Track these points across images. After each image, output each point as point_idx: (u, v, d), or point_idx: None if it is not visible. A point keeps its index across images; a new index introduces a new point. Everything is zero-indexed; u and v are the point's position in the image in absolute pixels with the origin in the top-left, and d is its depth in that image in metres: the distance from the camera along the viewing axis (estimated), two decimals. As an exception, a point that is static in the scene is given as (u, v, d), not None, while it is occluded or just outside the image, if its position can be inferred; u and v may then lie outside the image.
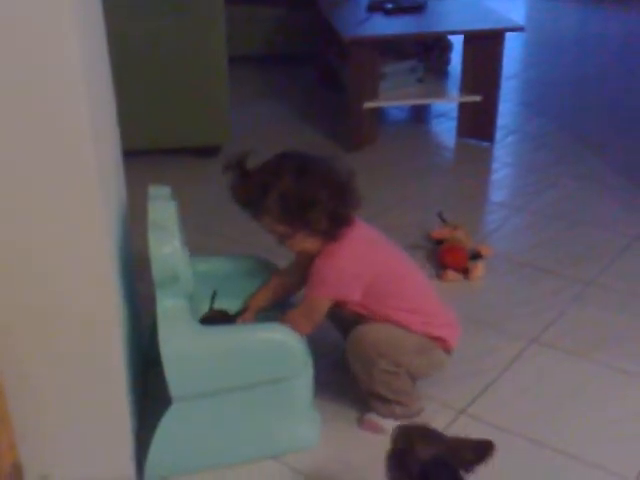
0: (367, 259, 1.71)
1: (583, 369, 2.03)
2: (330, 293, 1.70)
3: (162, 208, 1.60)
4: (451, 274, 2.42)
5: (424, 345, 1.77)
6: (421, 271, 1.91)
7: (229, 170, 1.68)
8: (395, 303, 1.75)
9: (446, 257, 2.46)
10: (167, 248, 1.52)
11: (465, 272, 2.43)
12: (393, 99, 3.43)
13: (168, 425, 1.64)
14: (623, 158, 3.29)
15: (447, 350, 1.81)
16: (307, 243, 1.68)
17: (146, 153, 3.07)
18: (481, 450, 1.34)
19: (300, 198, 1.61)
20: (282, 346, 1.64)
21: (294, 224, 1.65)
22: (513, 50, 4.58)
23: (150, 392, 1.82)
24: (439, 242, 2.53)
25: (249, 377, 1.64)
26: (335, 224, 1.65)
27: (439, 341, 1.79)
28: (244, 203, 1.68)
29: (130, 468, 1.65)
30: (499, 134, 3.49)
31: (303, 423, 1.74)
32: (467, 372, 2.00)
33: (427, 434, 1.39)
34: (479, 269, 2.44)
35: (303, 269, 1.75)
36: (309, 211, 1.62)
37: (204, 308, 1.78)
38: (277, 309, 1.80)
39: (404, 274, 1.81)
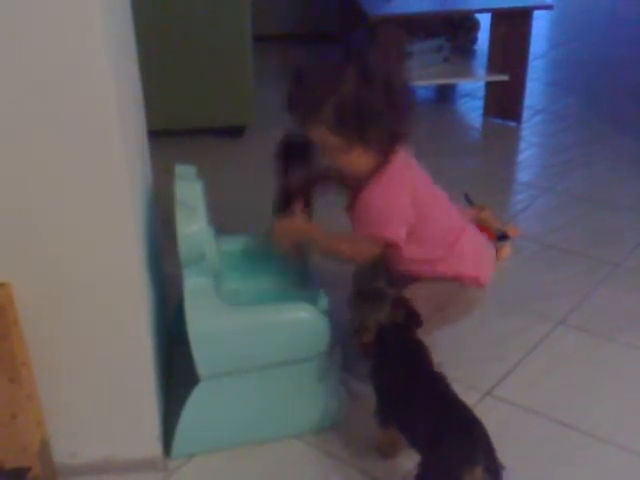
0: (412, 189, 1.64)
1: (610, 351, 2.02)
2: (389, 231, 1.62)
3: (188, 187, 1.60)
4: None
5: (458, 292, 1.72)
6: (448, 199, 1.81)
7: (288, 76, 1.57)
8: (429, 247, 1.68)
9: None
10: (194, 227, 1.52)
11: None
12: (419, 78, 3.39)
13: (195, 404, 1.65)
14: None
15: (481, 286, 1.77)
16: (359, 161, 1.57)
17: (171, 133, 3.07)
18: (410, 316, 1.58)
19: (360, 109, 1.48)
20: (309, 325, 1.64)
21: (350, 137, 1.52)
22: (541, 29, 4.52)
23: (176, 372, 1.83)
24: None
25: (275, 356, 1.65)
26: (392, 142, 1.54)
27: (472, 279, 1.74)
28: (299, 111, 1.56)
29: (157, 448, 1.66)
30: (526, 114, 3.45)
31: (329, 401, 1.74)
32: (493, 354, 2.00)
33: (373, 302, 1.59)
34: (506, 250, 2.42)
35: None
36: (369, 124, 1.49)
37: (229, 287, 1.79)
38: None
39: (437, 204, 1.74)
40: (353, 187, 1.67)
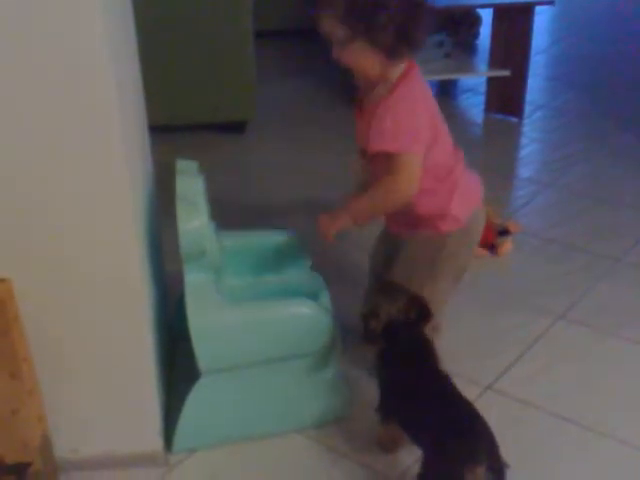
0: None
1: (610, 346, 2.02)
2: (417, 148, 1.54)
3: (189, 182, 1.60)
4: (479, 250, 2.41)
5: (440, 248, 1.70)
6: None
7: None
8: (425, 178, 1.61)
9: None
10: (195, 222, 1.52)
11: (493, 248, 2.42)
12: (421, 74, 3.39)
13: (196, 399, 1.65)
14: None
15: (459, 226, 1.73)
16: (365, 56, 1.51)
17: (172, 129, 3.08)
18: (423, 314, 1.60)
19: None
20: (310, 320, 1.64)
21: (357, 27, 1.47)
22: (543, 24, 4.51)
23: (177, 367, 1.84)
24: None
25: (277, 351, 1.65)
26: (401, 42, 1.48)
27: (453, 219, 1.71)
28: None
29: (158, 443, 1.66)
30: (528, 109, 3.45)
31: (330, 397, 1.75)
32: (493, 348, 2.00)
33: (389, 294, 1.61)
34: (507, 245, 2.43)
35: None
36: (376, 14, 1.45)
37: (230, 283, 1.79)
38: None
39: (444, 132, 1.70)
40: (367, 97, 1.61)
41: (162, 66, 2.96)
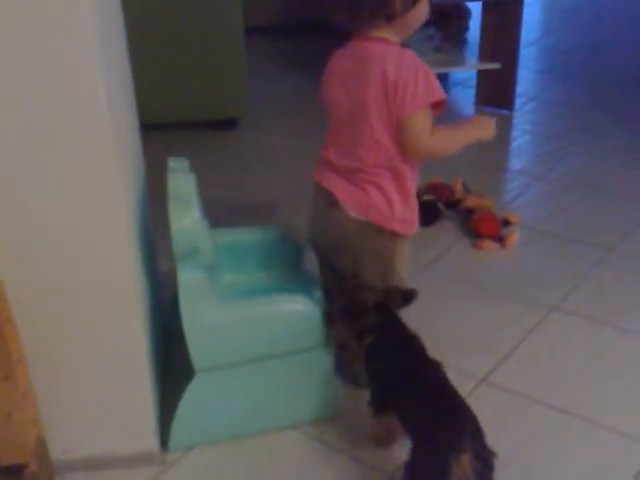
0: None
1: (605, 336, 2.03)
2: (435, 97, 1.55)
3: (182, 180, 1.60)
4: (488, 243, 2.42)
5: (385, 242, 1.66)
6: None
7: None
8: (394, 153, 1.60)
9: (481, 226, 2.46)
10: (187, 220, 1.52)
11: (499, 240, 2.43)
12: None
13: (191, 397, 1.65)
14: (641, 125, 3.26)
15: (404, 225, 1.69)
16: None
17: (163, 126, 3.07)
18: (408, 296, 1.61)
19: None
20: (303, 317, 1.64)
21: None
22: (532, 17, 4.51)
23: (172, 365, 1.83)
24: (470, 211, 2.52)
25: (270, 348, 1.65)
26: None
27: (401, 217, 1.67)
28: None
29: (153, 442, 1.66)
30: (518, 102, 3.46)
31: (324, 393, 1.75)
32: (488, 340, 2.00)
33: (364, 287, 1.63)
34: (513, 236, 2.44)
35: None
36: None
37: (224, 280, 1.79)
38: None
39: None
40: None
41: (152, 63, 2.95)
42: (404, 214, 1.65)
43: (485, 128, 1.69)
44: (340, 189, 1.65)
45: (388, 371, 1.59)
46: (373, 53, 1.57)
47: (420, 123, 1.56)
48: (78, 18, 1.28)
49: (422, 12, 1.61)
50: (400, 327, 1.62)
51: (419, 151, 1.60)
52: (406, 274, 1.74)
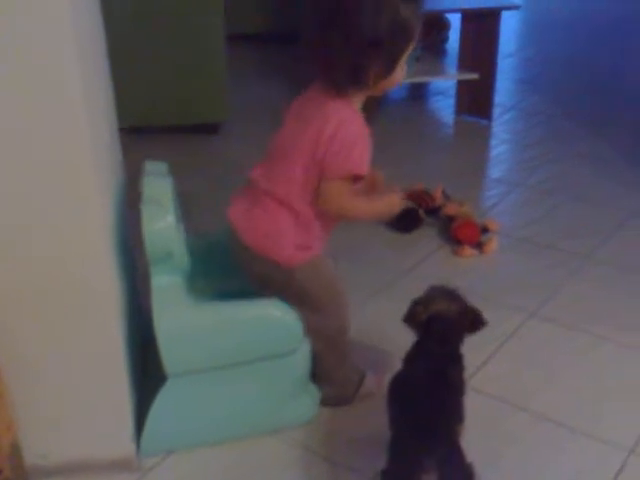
0: None
1: (581, 342, 2.04)
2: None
3: (157, 184, 1.58)
4: (468, 250, 2.43)
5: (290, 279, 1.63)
6: None
7: None
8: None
9: (460, 233, 2.47)
10: (160, 224, 1.50)
11: (479, 247, 2.44)
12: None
13: (164, 402, 1.64)
14: (617, 135, 3.30)
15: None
16: None
17: (144, 130, 3.07)
18: (476, 324, 1.60)
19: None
20: (278, 322, 1.63)
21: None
22: (510, 28, 4.56)
23: (150, 370, 1.82)
24: (450, 218, 2.54)
25: (245, 354, 1.64)
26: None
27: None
28: None
29: (131, 447, 1.64)
30: (497, 111, 3.49)
31: (301, 398, 1.74)
32: (466, 347, 2.00)
33: (447, 294, 1.60)
34: (493, 243, 2.46)
35: None
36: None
37: (199, 285, 1.78)
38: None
39: None
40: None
41: (135, 67, 2.95)
42: (297, 241, 1.62)
43: (393, 207, 1.71)
44: (239, 211, 1.64)
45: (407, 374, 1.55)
46: (326, 107, 1.55)
47: (341, 188, 1.56)
48: (56, 20, 1.27)
49: (396, 79, 1.57)
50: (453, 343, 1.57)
51: (332, 212, 1.60)
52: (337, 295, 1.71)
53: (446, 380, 1.51)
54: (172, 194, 1.60)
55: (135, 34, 2.94)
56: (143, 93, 3.01)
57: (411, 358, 1.58)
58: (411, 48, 1.53)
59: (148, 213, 1.51)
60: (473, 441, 1.46)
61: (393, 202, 1.70)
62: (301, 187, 1.58)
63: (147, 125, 3.10)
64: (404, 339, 1.61)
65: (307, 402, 1.76)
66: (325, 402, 1.79)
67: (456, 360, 1.57)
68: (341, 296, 1.71)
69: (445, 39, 3.81)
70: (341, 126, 1.52)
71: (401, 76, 1.57)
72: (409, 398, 1.48)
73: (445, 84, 3.79)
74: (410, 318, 1.58)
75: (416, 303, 1.59)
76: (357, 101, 1.57)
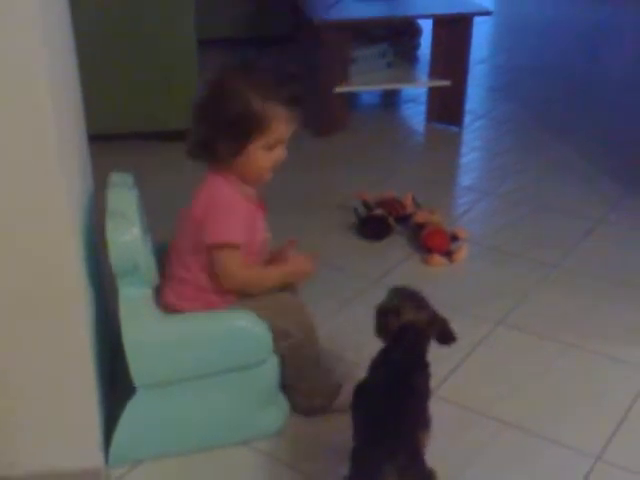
0: None
1: (548, 350, 2.06)
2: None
3: (122, 196, 1.58)
4: (437, 258, 2.44)
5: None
6: None
7: None
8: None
9: (430, 241, 2.48)
10: (126, 236, 1.49)
11: (448, 255, 2.46)
12: (363, 84, 3.43)
13: (133, 412, 1.63)
14: (587, 143, 3.33)
15: None
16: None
17: (112, 137, 3.04)
18: (445, 337, 1.61)
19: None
20: (247, 334, 1.63)
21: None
22: (482, 35, 4.60)
23: (120, 380, 1.81)
24: (419, 226, 2.55)
25: (214, 365, 1.64)
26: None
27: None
28: None
29: (99, 458, 1.64)
30: (468, 119, 3.51)
31: (270, 409, 1.74)
32: (433, 356, 2.02)
33: (415, 300, 1.62)
34: (462, 252, 2.48)
35: None
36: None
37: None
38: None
39: None
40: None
41: (103, 73, 2.94)
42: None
43: (302, 266, 1.75)
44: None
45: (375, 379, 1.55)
46: (205, 184, 1.68)
47: (224, 259, 1.64)
48: (23, 23, 1.27)
49: (256, 161, 1.64)
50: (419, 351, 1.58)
51: (227, 283, 1.66)
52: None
53: (411, 387, 1.51)
54: (138, 206, 1.59)
55: (104, 40, 2.93)
56: (111, 99, 3.00)
57: (377, 365, 1.59)
58: (272, 136, 1.62)
59: (112, 226, 1.50)
60: (440, 450, 1.48)
61: (297, 262, 1.75)
62: (195, 264, 1.68)
63: (115, 132, 3.08)
64: (375, 348, 1.62)
65: (276, 413, 1.76)
66: (296, 410, 1.80)
67: (422, 367, 1.58)
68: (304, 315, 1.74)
69: (417, 46, 3.83)
70: (209, 199, 1.64)
71: (268, 163, 1.65)
72: (373, 405, 1.48)
73: (417, 91, 3.81)
74: (382, 329, 1.59)
75: (386, 312, 1.59)
76: (235, 180, 1.66)
